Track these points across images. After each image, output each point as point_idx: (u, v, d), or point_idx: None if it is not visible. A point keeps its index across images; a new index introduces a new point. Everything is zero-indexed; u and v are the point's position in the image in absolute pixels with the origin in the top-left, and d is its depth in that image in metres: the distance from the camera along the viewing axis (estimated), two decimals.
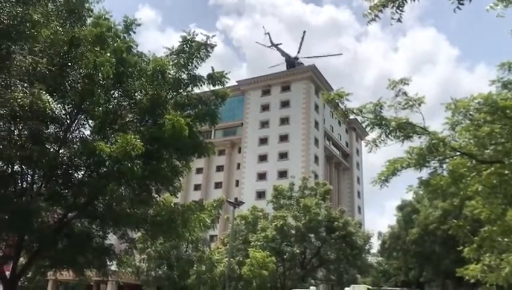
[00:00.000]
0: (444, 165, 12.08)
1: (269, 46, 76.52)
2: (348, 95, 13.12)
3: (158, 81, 15.33)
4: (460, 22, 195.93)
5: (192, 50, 15.57)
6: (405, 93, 12.48)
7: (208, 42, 15.56)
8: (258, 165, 66.91)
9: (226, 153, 73.51)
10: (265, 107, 71.59)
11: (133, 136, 12.95)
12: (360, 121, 13.96)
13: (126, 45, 14.97)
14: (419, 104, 12.45)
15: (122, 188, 14.64)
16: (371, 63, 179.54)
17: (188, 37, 15.58)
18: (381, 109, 12.58)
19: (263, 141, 68.66)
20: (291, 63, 75.55)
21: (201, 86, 16.01)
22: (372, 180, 12.60)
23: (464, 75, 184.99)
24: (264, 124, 70.35)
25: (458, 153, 11.68)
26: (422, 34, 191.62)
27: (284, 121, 69.19)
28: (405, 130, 12.17)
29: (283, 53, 76.54)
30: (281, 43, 77.56)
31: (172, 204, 15.99)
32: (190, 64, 15.62)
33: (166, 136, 13.98)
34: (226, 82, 16.25)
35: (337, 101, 13.06)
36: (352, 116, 14.13)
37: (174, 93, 15.82)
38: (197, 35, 15.61)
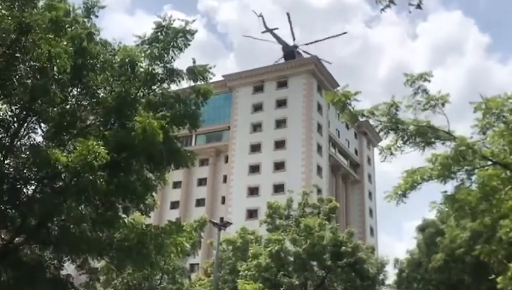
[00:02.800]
0: (473, 177, 12.19)
1: (263, 32, 76.60)
2: (356, 95, 13.35)
3: (127, 76, 15.42)
4: (491, 3, 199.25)
5: (168, 38, 15.68)
6: (425, 91, 12.58)
7: (188, 28, 15.71)
8: (248, 177, 66.83)
9: (210, 162, 73.39)
10: (257, 107, 71.60)
11: (95, 143, 12.96)
12: (372, 125, 14.17)
13: (87, 32, 14.99)
14: (443, 104, 12.54)
15: (82, 206, 14.60)
16: (385, 54, 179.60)
17: (163, 23, 15.73)
18: (397, 110, 12.69)
19: (255, 148, 68.62)
20: (290, 53, 75.79)
21: (179, 81, 16.13)
22: (387, 196, 12.62)
23: (496, 68, 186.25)
24: (256, 127, 70.41)
25: (490, 163, 11.78)
26: (446, 18, 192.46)
27: (281, 123, 69.22)
28: (426, 135, 12.25)
29: (280, 40, 76.63)
30: (276, 28, 77.32)
31: (143, 226, 15.95)
32: (166, 55, 15.71)
33: (136, 143, 14.05)
34: (210, 77, 16.43)
35: (343, 101, 13.24)
36: (362, 119, 14.37)
37: (146, 90, 15.90)
38: (174, 20, 15.80)
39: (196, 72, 16.04)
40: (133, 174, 15.06)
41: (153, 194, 16.17)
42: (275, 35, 76.05)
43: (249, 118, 70.84)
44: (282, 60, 75.99)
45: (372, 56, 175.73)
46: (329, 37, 79.54)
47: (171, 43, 15.67)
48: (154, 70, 15.82)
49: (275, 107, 70.10)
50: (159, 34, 15.78)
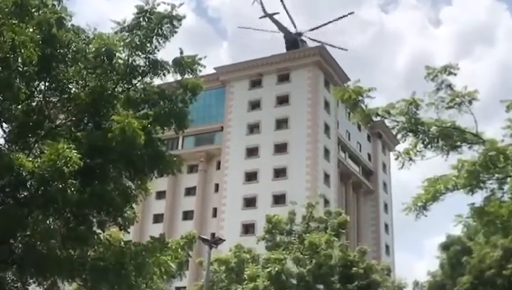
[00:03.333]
0: (506, 187, 12.18)
1: (261, 17, 76.42)
2: (369, 91, 13.33)
3: (103, 68, 15.44)
4: None
5: (151, 25, 15.77)
6: (450, 86, 12.58)
7: (174, 13, 15.76)
8: (244, 186, 66.76)
9: (200, 169, 73.26)
10: (255, 105, 71.61)
11: (66, 146, 12.95)
12: (388, 126, 14.19)
13: (57, 17, 14.95)
14: (470, 102, 12.52)
15: (50, 219, 14.60)
16: (403, 43, 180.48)
17: (146, 7, 15.77)
18: (417, 108, 12.67)
19: (252, 152, 68.53)
20: (293, 42, 75.66)
21: (164, 75, 16.25)
22: (405, 208, 12.57)
23: None
24: (254, 128, 70.37)
25: None
26: (474, 2, 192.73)
27: (282, 124, 69.25)
28: (450, 137, 12.24)
29: (281, 27, 76.50)
30: (277, 13, 76.89)
31: (121, 242, 15.98)
32: (149, 44, 15.80)
33: (113, 146, 14.08)
34: (200, 70, 16.47)
35: (354, 98, 13.27)
36: (377, 119, 14.41)
37: (126, 85, 15.98)
38: (158, 4, 15.81)
39: (183, 64, 16.10)
40: (109, 182, 15.08)
41: (133, 205, 16.17)
42: (275, 21, 75.95)
43: (245, 117, 70.69)
44: (284, 50, 75.58)
45: (388, 45, 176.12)
46: (335, 20, 78.17)
47: (155, 31, 15.73)
48: (134, 61, 15.84)
49: (275, 104, 69.99)
50: (141, 19, 15.78)
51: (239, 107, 71.79)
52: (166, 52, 16.61)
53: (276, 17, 76.98)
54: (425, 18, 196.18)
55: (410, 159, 12.68)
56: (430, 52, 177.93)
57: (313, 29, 77.62)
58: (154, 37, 15.75)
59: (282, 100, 70.53)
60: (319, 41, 75.39)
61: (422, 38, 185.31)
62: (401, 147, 13.45)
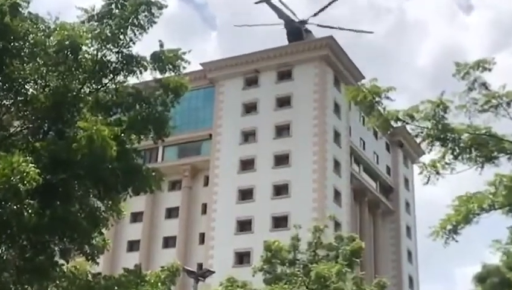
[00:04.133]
0: None
1: (257, 2, 76.12)
2: (388, 91, 13.36)
3: (66, 65, 15.42)
4: None
5: (125, 13, 15.84)
6: (484, 85, 12.53)
7: None
8: (238, 206, 66.30)
9: (184, 186, 72.83)
10: (250, 108, 71.48)
11: (22, 159, 12.87)
12: (410, 133, 14.23)
13: (10, 3, 14.87)
14: (509, 104, 12.50)
15: (3, 248, 14.50)
16: (427, 33, 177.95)
17: None
18: (445, 112, 12.67)
19: (247, 165, 68.29)
20: (296, 32, 75.30)
21: (140, 73, 16.34)
22: (432, 232, 12.49)
23: None
24: (249, 136, 70.17)
25: None
26: None
27: (283, 131, 69.11)
28: (485, 146, 12.20)
29: (280, 14, 76.02)
30: None
31: (89, 275, 15.96)
32: (122, 36, 15.92)
33: (79, 159, 14.00)
34: (184, 67, 16.70)
35: (371, 100, 13.21)
36: (397, 124, 14.33)
37: (94, 85, 16.02)
38: None
39: (164, 60, 16.21)
40: (74, 203, 15.01)
41: (103, 231, 16.17)
42: (274, 7, 75.60)
43: (238, 122, 70.29)
44: (286, 43, 75.19)
45: (409, 37, 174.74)
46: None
47: (130, 20, 15.81)
48: (105, 57, 15.91)
49: (275, 107, 69.61)
50: (113, 6, 15.87)
51: (231, 110, 71.24)
52: (144, 46, 16.75)
53: (275, 2, 76.43)
54: (454, 3, 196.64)
55: (438, 172, 12.83)
56: (460, 45, 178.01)
57: (317, 14, 76.84)
58: (129, 27, 15.82)
59: (283, 102, 70.10)
60: (328, 27, 74.29)
61: (450, 28, 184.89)
62: (426, 158, 13.40)
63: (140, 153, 16.54)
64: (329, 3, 77.92)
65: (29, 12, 15.80)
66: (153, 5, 15.89)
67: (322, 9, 77.59)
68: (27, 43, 15.33)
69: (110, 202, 15.99)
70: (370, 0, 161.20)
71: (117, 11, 15.80)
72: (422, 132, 12.78)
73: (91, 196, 15.52)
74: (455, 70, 12.59)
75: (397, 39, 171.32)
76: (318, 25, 76.48)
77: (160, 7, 15.99)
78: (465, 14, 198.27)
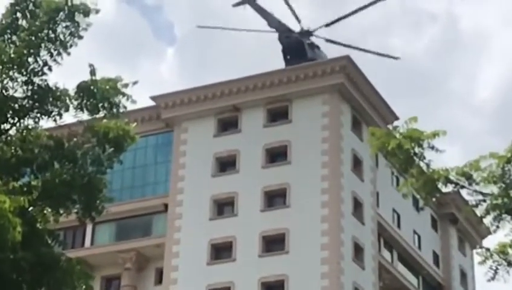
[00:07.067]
0: None
1: (236, 4, 71.62)
2: (434, 137, 12.51)
3: None
4: None
5: (37, 23, 15.88)
6: None
7: (79, 2, 16.06)
8: None
9: (124, 284, 67.56)
10: (226, 164, 66.55)
11: None
12: (468, 201, 13.47)
13: None
14: None
15: None
16: (490, 50, 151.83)
17: None
18: None
19: (221, 251, 63.74)
20: (296, 47, 70.12)
21: (60, 114, 16.37)
22: None
23: None
24: (225, 207, 65.28)
25: None
26: None
27: (276, 199, 64.37)
28: None
29: (272, 21, 70.82)
30: None
31: None
32: (32, 59, 15.94)
33: None
34: (125, 107, 16.72)
35: (408, 150, 12.33)
36: (447, 189, 13.50)
37: None
38: None
39: (97, 95, 15.88)
40: None
41: None
42: (263, 12, 70.69)
43: (208, 187, 64.86)
44: (280, 63, 70.20)
45: (463, 55, 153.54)
46: (363, 7, 72.13)
47: (44, 34, 15.80)
48: (6, 90, 15.72)
49: (264, 163, 64.17)
50: (18, 15, 15.85)
51: (197, 168, 65.87)
52: (66, 72, 16.95)
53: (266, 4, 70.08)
54: None
55: (509, 263, 12.39)
56: None
57: (330, 24, 71.43)
58: (43, 45, 15.72)
59: (276, 156, 65.11)
60: (340, 44, 69.21)
61: None
62: (491, 240, 12.82)
63: (59, 236, 16.08)
64: (352, 13, 73.05)
65: None
66: (77, 11, 15.53)
67: (339, 19, 71.83)
68: None
69: None
70: (407, 3, 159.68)
71: (24, 21, 15.68)
72: (484, 201, 12.35)
73: None
74: None
75: (445, 58, 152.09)
76: (327, 40, 71.72)
77: (87, 13, 15.60)
78: None
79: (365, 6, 72.23)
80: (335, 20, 70.88)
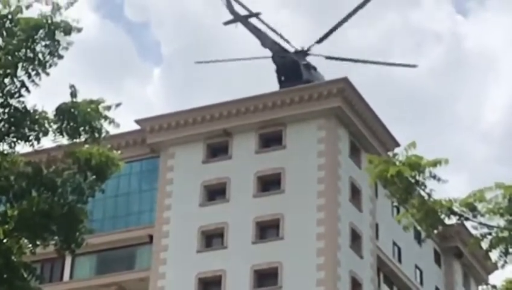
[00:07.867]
0: None
1: (227, 22, 72.96)
2: (436, 165, 12.56)
3: None
4: None
5: (13, 42, 15.78)
6: None
7: (59, 20, 15.91)
8: None
9: None
10: (215, 193, 67.31)
11: None
12: (473, 234, 13.36)
13: None
14: None
15: None
16: (498, 72, 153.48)
17: (4, 10, 15.88)
18: None
19: (210, 286, 64.49)
20: (291, 68, 71.11)
21: (37, 139, 16.03)
22: None
23: None
24: (213, 239, 65.58)
25: None
26: None
27: (268, 231, 65.09)
28: None
29: (265, 40, 71.47)
30: (258, 13, 72.15)
31: None
32: (9, 80, 15.83)
33: None
34: (107, 131, 16.44)
35: (407, 179, 12.33)
36: (451, 221, 13.52)
37: None
38: (29, 6, 16.14)
39: (79, 117, 15.71)
40: None
41: None
42: (256, 31, 71.60)
43: (196, 217, 65.48)
44: (273, 85, 70.61)
45: (468, 77, 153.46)
46: (345, 18, 72.20)
47: (21, 53, 15.63)
48: None
49: (256, 192, 64.93)
50: None
51: (185, 197, 66.47)
52: (46, 93, 16.71)
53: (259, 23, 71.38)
54: None
55: None
56: None
57: (321, 40, 72.44)
58: (20, 65, 15.48)
59: (269, 184, 65.68)
60: (346, 59, 70.40)
61: None
62: (498, 276, 12.87)
63: (35, 269, 15.69)
64: (339, 24, 72.83)
65: None
66: (57, 28, 15.40)
67: (329, 33, 72.25)
68: None
69: None
70: (409, 20, 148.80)
71: (0, 40, 15.59)
72: (490, 234, 12.16)
73: None
74: None
75: (449, 80, 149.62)
76: (327, 57, 71.90)
77: (69, 31, 15.55)
78: None
79: (349, 15, 73.14)
80: (325, 35, 71.49)
